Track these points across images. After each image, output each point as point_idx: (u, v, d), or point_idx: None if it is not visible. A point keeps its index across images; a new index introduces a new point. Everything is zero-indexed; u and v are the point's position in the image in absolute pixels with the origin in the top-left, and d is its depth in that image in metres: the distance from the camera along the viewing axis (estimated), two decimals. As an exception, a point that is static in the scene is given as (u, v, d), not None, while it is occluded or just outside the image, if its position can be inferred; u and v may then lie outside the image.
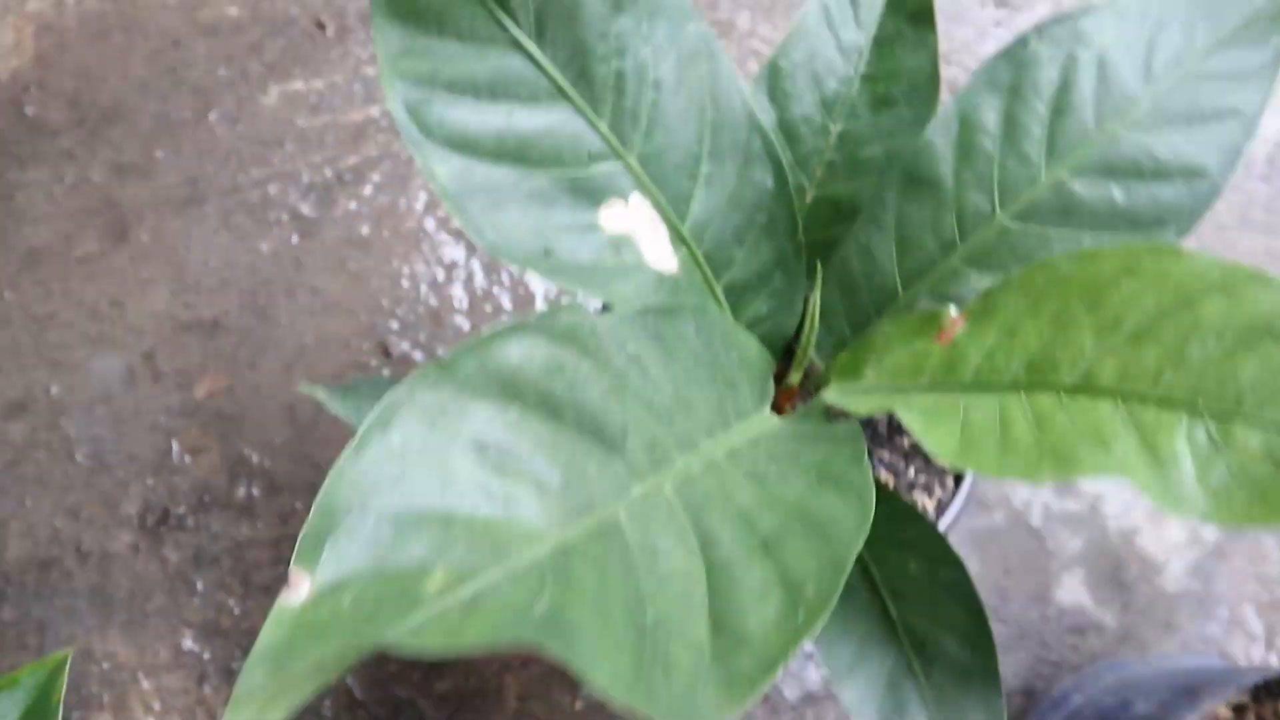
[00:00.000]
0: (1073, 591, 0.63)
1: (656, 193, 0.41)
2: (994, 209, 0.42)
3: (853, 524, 0.33)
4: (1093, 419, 0.34)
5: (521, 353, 0.31)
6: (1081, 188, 0.42)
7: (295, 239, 0.68)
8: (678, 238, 0.42)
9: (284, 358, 0.66)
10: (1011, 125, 0.42)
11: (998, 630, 0.64)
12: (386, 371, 0.66)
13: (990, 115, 0.42)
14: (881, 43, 0.46)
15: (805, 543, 0.33)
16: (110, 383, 0.65)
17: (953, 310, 0.41)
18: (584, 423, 0.32)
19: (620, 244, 0.40)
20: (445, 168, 0.38)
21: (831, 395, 0.44)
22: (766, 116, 0.46)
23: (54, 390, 0.65)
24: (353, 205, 0.68)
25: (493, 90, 0.38)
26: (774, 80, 0.46)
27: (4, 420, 0.64)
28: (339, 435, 0.65)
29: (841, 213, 0.47)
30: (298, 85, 0.71)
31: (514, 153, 0.39)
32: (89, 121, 0.70)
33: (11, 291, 0.66)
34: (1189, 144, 0.41)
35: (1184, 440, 0.32)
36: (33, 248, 0.67)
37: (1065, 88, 0.42)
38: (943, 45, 0.78)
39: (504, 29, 0.38)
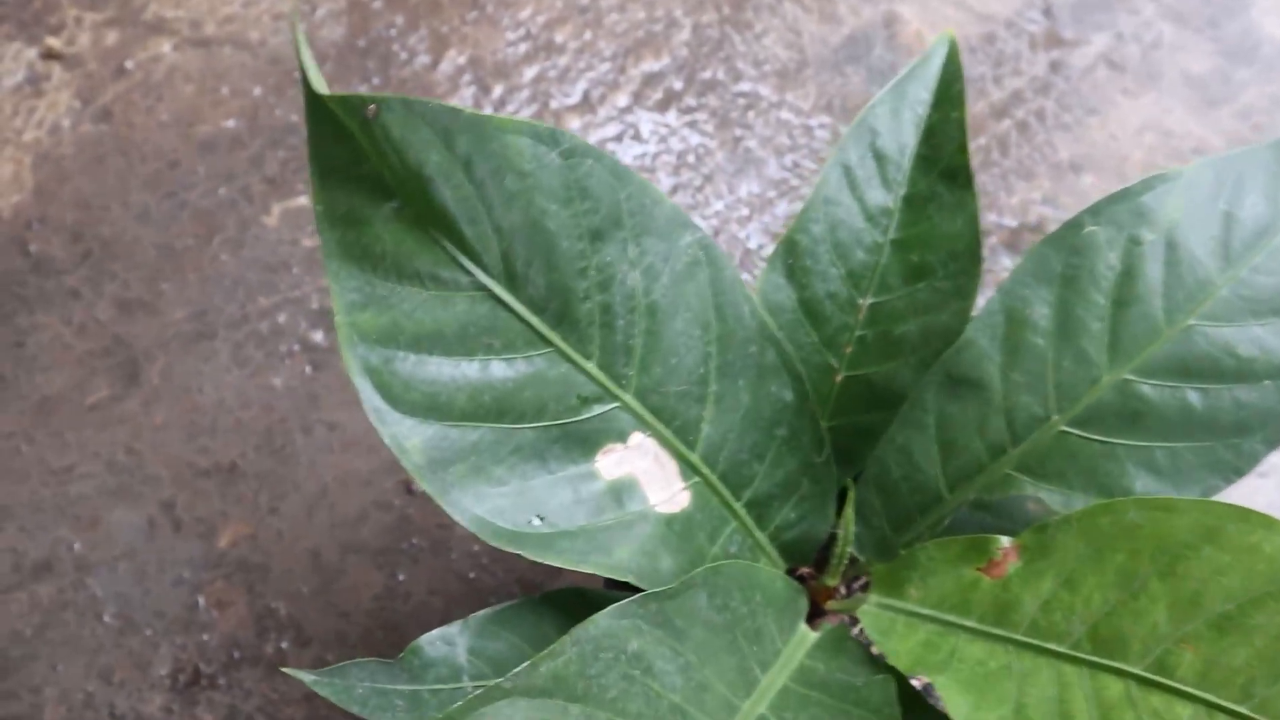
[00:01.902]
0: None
1: (660, 427, 0.36)
2: (1049, 413, 0.37)
3: None
4: (1171, 733, 0.29)
5: (496, 724, 0.27)
6: (1150, 390, 0.36)
7: (308, 370, 0.65)
8: (688, 467, 0.37)
9: (305, 500, 0.63)
10: (1066, 320, 0.36)
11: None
12: (411, 511, 0.63)
13: (1041, 309, 0.36)
14: (913, 203, 0.41)
15: None
16: (132, 537, 0.63)
17: (1004, 541, 0.36)
18: (576, 780, 0.29)
19: (621, 491, 0.36)
20: (417, 439, 0.34)
21: (870, 618, 0.39)
22: (785, 296, 0.41)
23: (77, 547, 0.63)
24: (366, 330, 0.64)
25: (463, 342, 0.34)
26: (792, 257, 0.41)
27: (32, 582, 0.63)
28: (365, 581, 0.62)
29: (876, 394, 0.42)
30: (301, 200, 0.67)
31: (493, 410, 0.34)
32: (93, 256, 0.67)
33: (28, 444, 0.65)
34: (1277, 337, 0.35)
35: (1282, 784, 0.27)
36: (46, 396, 0.65)
37: (1128, 275, 0.36)
38: (994, 97, 0.71)
39: (469, 273, 0.33)
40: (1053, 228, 0.68)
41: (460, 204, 0.32)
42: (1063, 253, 0.36)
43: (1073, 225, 0.36)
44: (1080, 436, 0.37)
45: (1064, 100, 0.72)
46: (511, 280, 0.34)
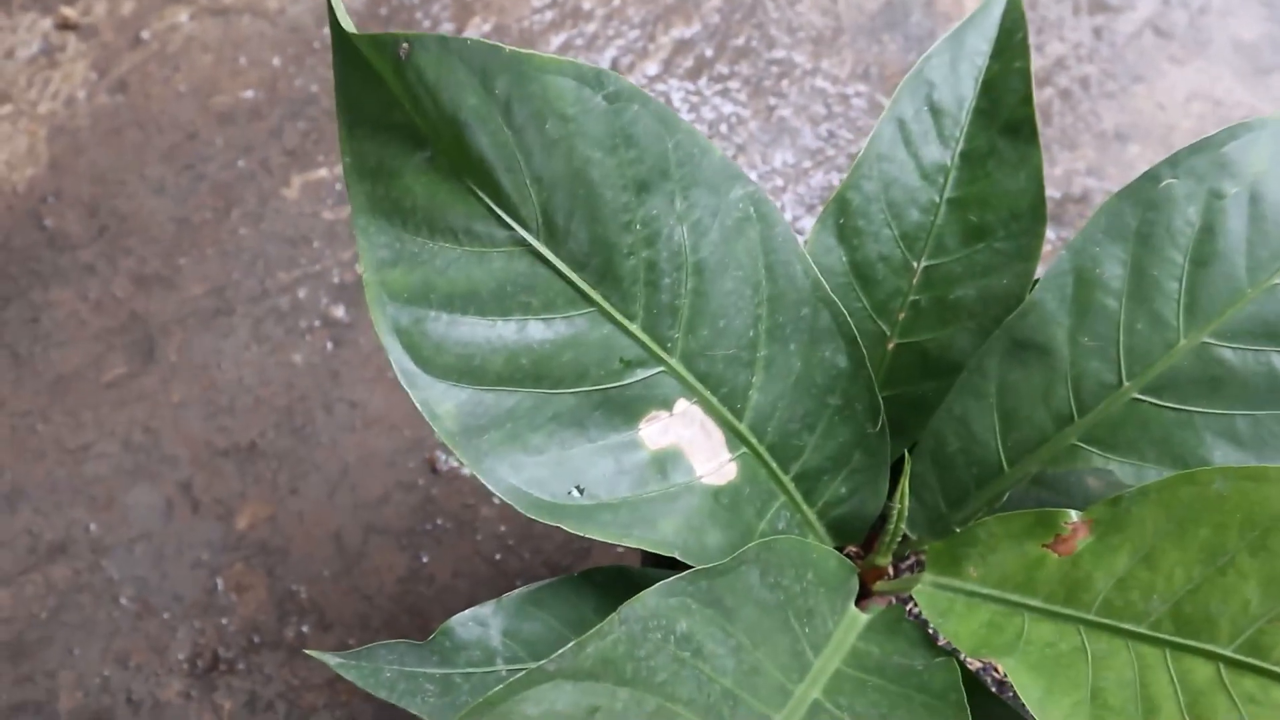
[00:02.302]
0: None
1: (707, 393, 0.34)
2: (1120, 379, 0.35)
3: None
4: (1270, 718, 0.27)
5: (540, 707, 0.25)
6: (1232, 354, 0.34)
7: (330, 347, 0.63)
8: (735, 437, 0.35)
9: (327, 481, 0.61)
10: (1140, 280, 0.34)
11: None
12: (435, 491, 0.61)
13: (1113, 268, 0.34)
14: (971, 160, 0.38)
15: None
16: (149, 518, 0.61)
17: (1073, 515, 0.34)
18: (626, 767, 0.27)
19: (666, 461, 0.34)
20: (449, 404, 0.32)
21: (927, 598, 0.37)
22: (835, 258, 0.39)
23: (93, 529, 0.62)
24: (388, 306, 0.62)
25: (499, 301, 0.32)
26: (843, 217, 0.38)
27: (46, 564, 0.61)
28: (388, 564, 0.60)
29: (930, 363, 0.40)
30: (321, 173, 0.66)
31: (530, 373, 0.32)
32: (109, 230, 0.66)
33: (44, 423, 0.63)
34: (1372, 296, 0.33)
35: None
36: (61, 374, 0.64)
37: (1208, 231, 0.33)
38: (1036, 63, 0.68)
39: (506, 226, 0.31)
40: (1099, 200, 0.65)
41: (498, 151, 0.30)
42: (1138, 207, 0.34)
43: (1149, 178, 0.33)
44: (1154, 404, 0.34)
45: (1109, 68, 0.69)
46: (551, 234, 0.32)
